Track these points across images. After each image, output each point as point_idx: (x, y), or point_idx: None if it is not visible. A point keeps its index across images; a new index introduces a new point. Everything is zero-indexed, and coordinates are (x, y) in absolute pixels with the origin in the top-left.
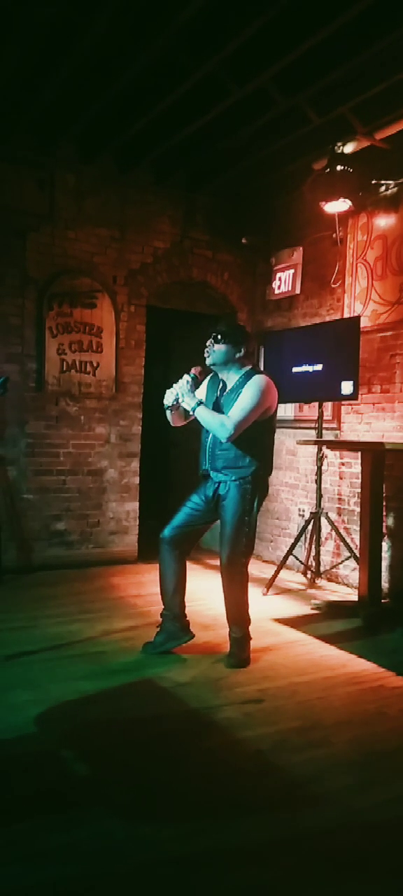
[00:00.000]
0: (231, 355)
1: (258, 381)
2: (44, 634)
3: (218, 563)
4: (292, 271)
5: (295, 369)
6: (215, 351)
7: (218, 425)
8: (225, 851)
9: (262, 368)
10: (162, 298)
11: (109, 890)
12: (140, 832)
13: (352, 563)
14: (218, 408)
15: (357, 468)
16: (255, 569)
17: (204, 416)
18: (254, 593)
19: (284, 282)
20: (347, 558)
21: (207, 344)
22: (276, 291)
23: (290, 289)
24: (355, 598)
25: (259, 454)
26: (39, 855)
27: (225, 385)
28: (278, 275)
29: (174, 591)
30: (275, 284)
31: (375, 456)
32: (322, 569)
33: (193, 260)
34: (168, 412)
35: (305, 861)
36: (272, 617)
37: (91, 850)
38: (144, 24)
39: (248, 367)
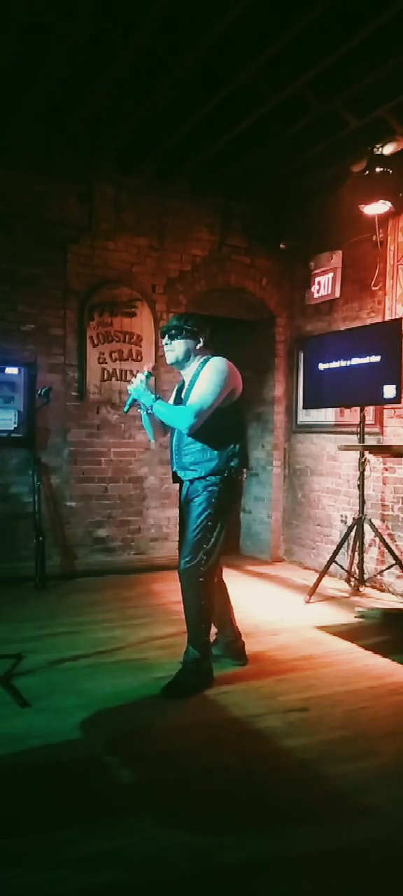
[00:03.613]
0: (190, 347)
1: (216, 363)
2: (87, 640)
3: (257, 568)
4: (331, 275)
5: (335, 374)
6: (174, 348)
7: (178, 416)
8: (271, 863)
9: (301, 371)
10: (200, 306)
11: None
12: (184, 840)
13: (397, 570)
14: (181, 404)
15: (400, 473)
16: (297, 576)
17: (163, 410)
18: (296, 601)
19: (323, 286)
20: (392, 565)
21: (164, 343)
22: (315, 296)
23: (330, 293)
24: (400, 605)
25: (226, 444)
26: (84, 861)
27: (185, 382)
28: (317, 279)
29: (218, 615)
30: (314, 289)
31: None
32: (365, 576)
33: (231, 266)
34: (146, 426)
35: (353, 874)
36: (315, 625)
37: (135, 858)
38: (181, 36)
39: (207, 356)
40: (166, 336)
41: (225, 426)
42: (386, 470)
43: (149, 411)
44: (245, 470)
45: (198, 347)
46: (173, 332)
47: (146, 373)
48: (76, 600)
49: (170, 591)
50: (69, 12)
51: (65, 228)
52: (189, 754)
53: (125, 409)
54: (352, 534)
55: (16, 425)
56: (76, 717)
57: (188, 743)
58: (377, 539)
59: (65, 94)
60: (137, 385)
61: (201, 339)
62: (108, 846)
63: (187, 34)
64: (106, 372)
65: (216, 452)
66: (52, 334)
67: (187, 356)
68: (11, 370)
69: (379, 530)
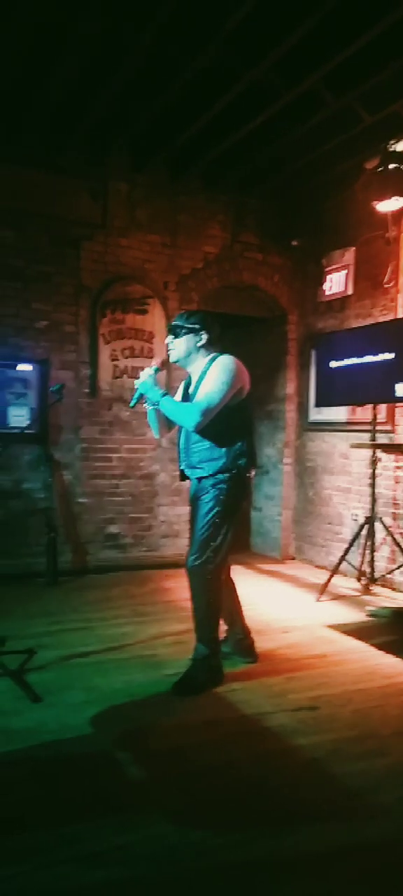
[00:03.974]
0: (192, 345)
1: (223, 360)
2: (98, 636)
3: (268, 566)
4: (344, 272)
5: (347, 371)
6: (176, 346)
7: (184, 413)
8: (279, 861)
9: (313, 369)
10: (212, 303)
11: (161, 895)
12: (193, 837)
13: None
14: (188, 401)
15: None
16: (308, 574)
17: (169, 406)
18: (307, 599)
19: (336, 283)
20: None
21: (167, 342)
22: (327, 293)
23: (342, 290)
24: None
25: (234, 442)
26: (92, 856)
27: (192, 379)
28: (329, 276)
29: (228, 612)
30: (327, 286)
31: None
32: (376, 575)
33: (243, 263)
34: (151, 423)
35: (361, 873)
36: (325, 623)
37: (144, 854)
38: (193, 33)
39: (214, 354)
40: (170, 335)
41: (233, 424)
42: (398, 468)
43: (156, 407)
44: (253, 468)
45: (198, 344)
46: (176, 330)
47: (154, 368)
48: (87, 596)
49: (180, 588)
50: (78, 11)
51: (78, 225)
52: (197, 751)
53: (131, 403)
54: (363, 532)
55: (29, 422)
56: (86, 713)
57: (197, 740)
58: (388, 538)
59: (75, 92)
60: (145, 380)
61: (202, 336)
62: (115, 842)
63: (199, 30)
64: (117, 369)
65: (223, 450)
66: (65, 331)
67: (188, 353)
68: (25, 367)
69: (391, 529)
